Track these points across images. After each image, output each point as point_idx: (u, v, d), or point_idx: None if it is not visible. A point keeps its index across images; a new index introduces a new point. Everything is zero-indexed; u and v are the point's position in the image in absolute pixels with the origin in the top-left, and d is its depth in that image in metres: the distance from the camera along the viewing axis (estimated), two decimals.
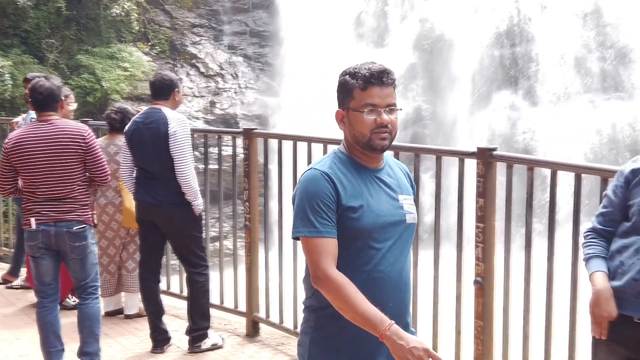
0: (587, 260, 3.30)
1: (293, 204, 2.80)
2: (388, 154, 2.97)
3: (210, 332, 5.95)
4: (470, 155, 4.63)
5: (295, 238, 2.75)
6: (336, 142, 5.25)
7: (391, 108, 2.78)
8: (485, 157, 4.51)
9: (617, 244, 3.24)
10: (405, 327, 2.77)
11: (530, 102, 17.15)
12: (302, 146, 5.62)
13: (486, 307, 4.48)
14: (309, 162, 5.48)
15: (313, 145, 5.54)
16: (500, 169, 4.52)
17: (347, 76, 2.81)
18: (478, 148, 4.57)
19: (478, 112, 17.10)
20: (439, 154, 4.91)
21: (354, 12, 18.67)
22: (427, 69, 17.62)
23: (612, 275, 3.20)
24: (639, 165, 3.25)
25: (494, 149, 4.56)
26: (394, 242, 2.79)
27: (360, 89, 2.76)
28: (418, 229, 3.48)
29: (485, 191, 4.49)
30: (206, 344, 5.87)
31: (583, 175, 4.11)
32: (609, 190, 3.36)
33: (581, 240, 3.48)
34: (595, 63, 17.05)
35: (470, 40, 17.41)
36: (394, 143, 2.85)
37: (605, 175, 3.84)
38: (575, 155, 15.71)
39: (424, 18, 17.94)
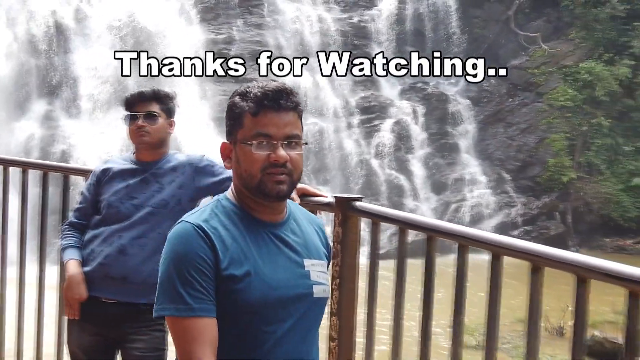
0: (63, 250, 3.69)
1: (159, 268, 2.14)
2: (295, 204, 2.38)
3: None
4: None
5: (159, 316, 2.10)
6: None
7: (291, 141, 2.15)
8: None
9: (89, 234, 3.68)
10: None
11: (68, 112, 17.35)
12: None
13: None
14: None
15: None
16: None
17: (237, 97, 2.19)
18: None
19: (14, 122, 16.78)
20: None
21: None
22: None
23: (84, 262, 3.63)
24: (109, 165, 3.76)
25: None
26: (294, 322, 2.15)
27: (251, 114, 2.14)
28: None
29: None
30: None
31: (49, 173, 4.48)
32: (84, 188, 3.80)
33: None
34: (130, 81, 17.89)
35: (3, 48, 17.03)
36: None
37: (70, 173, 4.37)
38: None
39: None
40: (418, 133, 20.55)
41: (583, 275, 2.31)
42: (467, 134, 21.25)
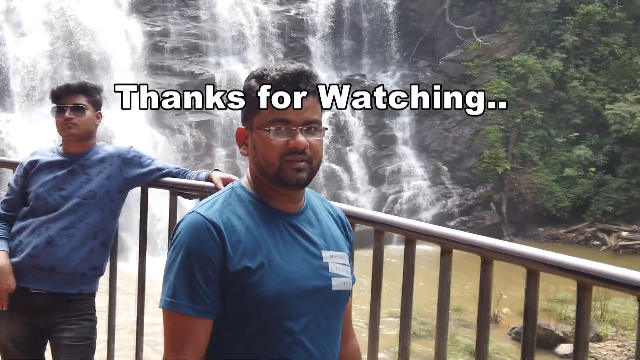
0: None
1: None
2: (314, 193, 2.25)
3: None
4: None
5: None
6: None
7: (311, 126, 2.04)
8: None
9: (17, 226, 3.70)
10: None
11: (1, 106, 17.05)
12: None
13: None
14: None
15: None
16: None
17: (252, 80, 2.07)
18: None
19: None
20: None
21: None
22: None
23: (13, 253, 3.65)
24: (36, 157, 3.78)
25: None
26: (312, 318, 2.04)
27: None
28: None
29: None
30: None
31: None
32: (11, 180, 3.82)
33: None
34: (65, 71, 17.66)
35: None
36: None
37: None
38: None
39: None
40: (356, 125, 20.73)
41: (487, 256, 2.46)
42: (404, 126, 21.52)
